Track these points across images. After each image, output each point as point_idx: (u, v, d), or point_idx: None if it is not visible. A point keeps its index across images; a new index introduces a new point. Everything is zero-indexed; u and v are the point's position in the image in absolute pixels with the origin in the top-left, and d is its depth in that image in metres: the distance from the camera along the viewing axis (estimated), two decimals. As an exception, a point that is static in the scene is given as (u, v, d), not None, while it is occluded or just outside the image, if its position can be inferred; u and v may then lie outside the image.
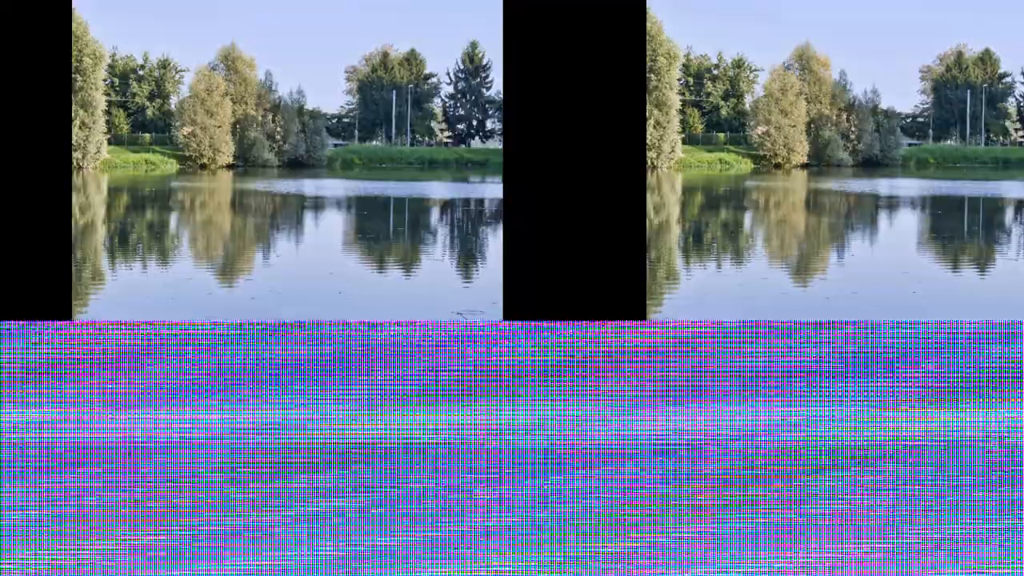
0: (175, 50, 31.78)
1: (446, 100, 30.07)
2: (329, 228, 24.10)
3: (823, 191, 28.03)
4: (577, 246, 2.89)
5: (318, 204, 26.48)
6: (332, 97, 34.33)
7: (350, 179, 28.85)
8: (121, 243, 22.06)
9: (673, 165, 28.43)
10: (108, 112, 28.17)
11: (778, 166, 29.05)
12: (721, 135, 29.44)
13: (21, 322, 2.75)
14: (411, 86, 29.77)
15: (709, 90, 29.31)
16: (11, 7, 2.85)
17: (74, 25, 20.44)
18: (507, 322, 2.78)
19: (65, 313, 2.88)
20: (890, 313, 13.91)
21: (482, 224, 24.78)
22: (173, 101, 29.06)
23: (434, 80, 30.05)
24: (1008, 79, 30.02)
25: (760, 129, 29.01)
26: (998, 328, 2.78)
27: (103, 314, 14.55)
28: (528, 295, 2.89)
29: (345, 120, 30.12)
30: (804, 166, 29.18)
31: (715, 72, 29.45)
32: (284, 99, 29.05)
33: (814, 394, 2.79)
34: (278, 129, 28.92)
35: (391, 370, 2.78)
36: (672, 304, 15.38)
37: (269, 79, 28.97)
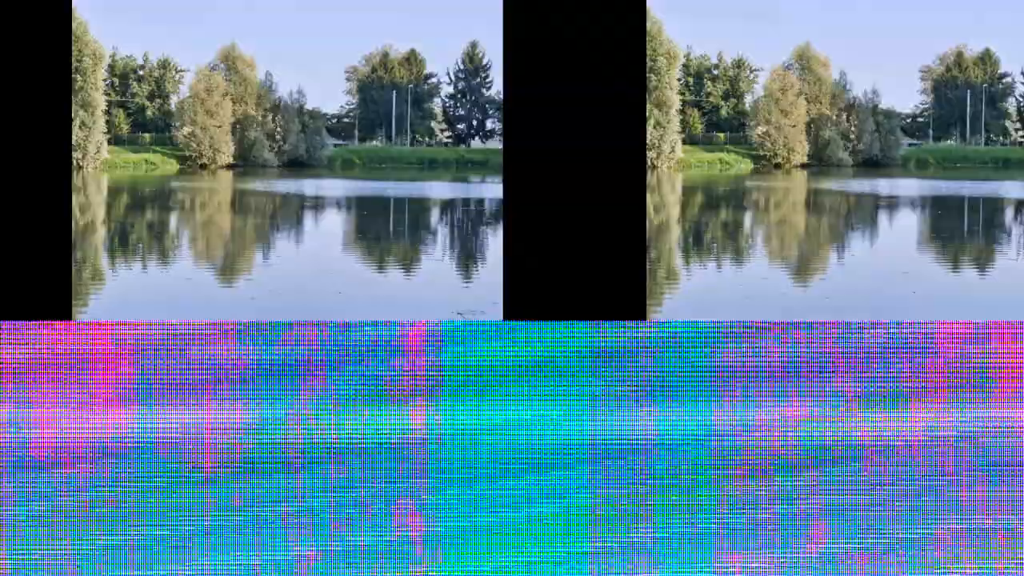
0: (175, 50, 31.77)
1: (446, 100, 30.08)
2: (329, 228, 24.10)
3: (823, 191, 28.03)
4: (577, 246, 2.89)
5: (318, 204, 26.49)
6: (332, 97, 34.32)
7: (350, 179, 28.86)
8: (121, 243, 22.07)
9: (673, 165, 28.44)
10: (108, 112, 28.18)
11: (778, 166, 29.05)
12: (721, 135, 29.45)
13: (21, 322, 2.75)
14: (411, 86, 29.78)
15: (709, 90, 29.32)
16: (11, 7, 2.85)
17: (74, 25, 20.44)
18: (508, 322, 2.78)
19: (65, 313, 2.88)
20: (890, 313, 13.91)
21: (482, 224, 24.78)
22: (173, 101, 29.07)
23: (434, 80, 30.07)
24: (1008, 79, 30.03)
25: (760, 129, 29.02)
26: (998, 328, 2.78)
27: (103, 314, 14.56)
28: (528, 295, 2.89)
29: (345, 120, 30.13)
30: (804, 166, 29.19)
31: (715, 72, 29.46)
32: (284, 99, 29.06)
33: (813, 394, 2.79)
34: (278, 129, 28.92)
35: (392, 369, 2.78)
36: (672, 304, 15.39)
37: (269, 79, 28.98)
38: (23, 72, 2.84)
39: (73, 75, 25.78)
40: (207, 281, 17.85)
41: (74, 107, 25.88)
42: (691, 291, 16.67)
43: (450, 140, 30.13)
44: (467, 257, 20.84)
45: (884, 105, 29.82)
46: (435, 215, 25.85)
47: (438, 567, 2.77)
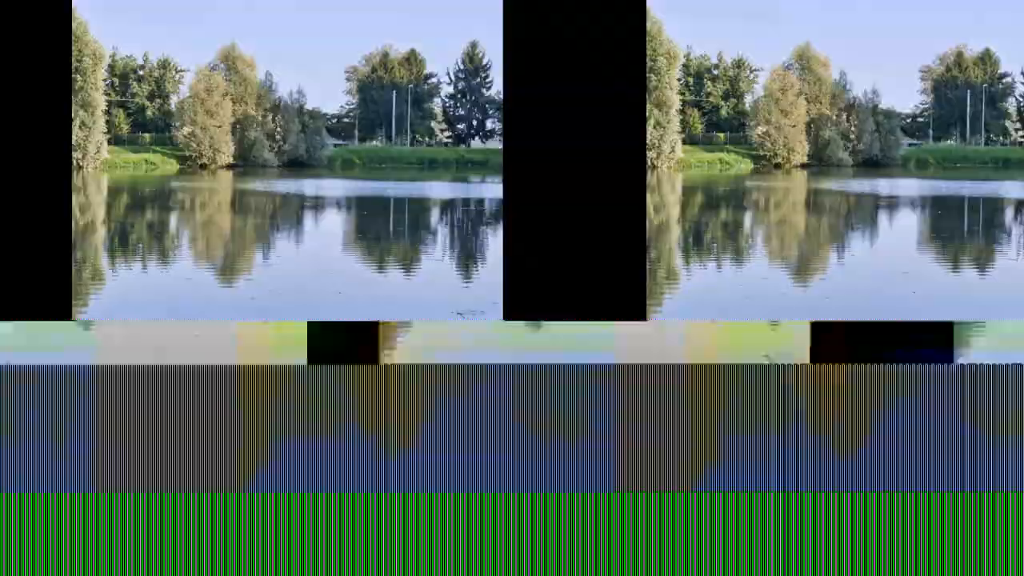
0: (175, 50, 31.71)
1: (446, 100, 30.05)
2: (329, 228, 24.08)
3: (823, 191, 28.01)
4: (577, 246, 2.89)
5: (318, 204, 26.46)
6: (332, 97, 34.27)
7: (350, 179, 28.83)
8: (121, 243, 22.06)
9: (673, 165, 28.41)
10: (108, 112, 28.16)
11: (778, 166, 29.03)
12: (721, 135, 29.42)
13: (21, 322, 2.75)
14: (411, 86, 29.76)
15: (709, 90, 29.29)
16: (11, 7, 2.85)
17: (74, 25, 20.41)
18: (507, 323, 2.78)
19: (65, 313, 2.89)
20: (890, 313, 13.90)
21: (482, 224, 24.76)
22: (173, 101, 29.04)
23: (434, 80, 30.04)
24: (1008, 79, 29.99)
25: (760, 129, 29.00)
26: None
27: (103, 314, 14.57)
28: (528, 295, 2.89)
29: (345, 120, 30.10)
30: (804, 166, 29.17)
31: (715, 72, 29.43)
32: (284, 99, 29.03)
33: (812, 393, 2.79)
34: (278, 129, 28.90)
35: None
36: (672, 304, 15.38)
37: (269, 79, 28.95)
38: (23, 72, 2.84)
39: (73, 75, 25.74)
40: (207, 281, 17.86)
41: (74, 107, 25.85)
42: (691, 291, 16.67)
43: (450, 140, 30.11)
44: (467, 257, 20.83)
45: (884, 105, 29.77)
46: (435, 215, 25.84)
47: None
